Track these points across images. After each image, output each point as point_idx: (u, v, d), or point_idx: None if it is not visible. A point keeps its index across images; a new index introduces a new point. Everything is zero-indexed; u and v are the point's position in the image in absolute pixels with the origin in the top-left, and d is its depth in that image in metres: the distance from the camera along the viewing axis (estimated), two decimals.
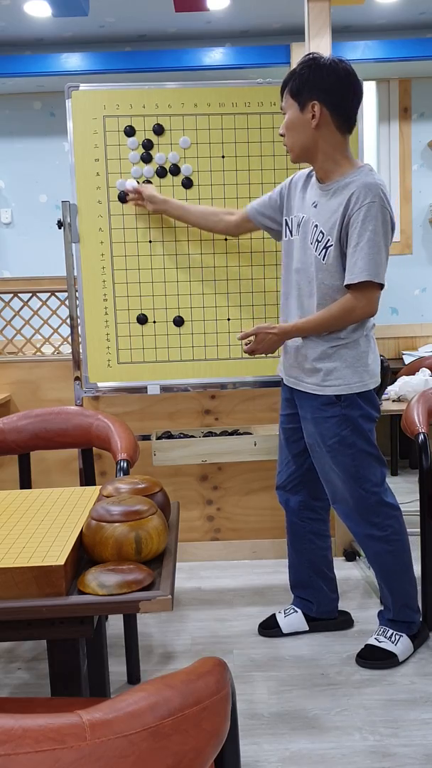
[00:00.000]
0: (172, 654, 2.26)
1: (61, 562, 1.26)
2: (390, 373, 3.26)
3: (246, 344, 2.11)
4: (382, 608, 2.25)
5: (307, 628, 2.34)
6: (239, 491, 2.97)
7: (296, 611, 2.37)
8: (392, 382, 3.46)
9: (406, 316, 4.71)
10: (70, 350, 2.74)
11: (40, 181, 4.75)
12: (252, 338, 2.10)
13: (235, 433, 2.78)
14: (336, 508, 2.18)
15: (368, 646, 2.18)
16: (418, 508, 2.35)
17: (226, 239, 2.57)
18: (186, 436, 2.74)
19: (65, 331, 2.80)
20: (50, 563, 1.25)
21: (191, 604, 2.60)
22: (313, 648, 2.27)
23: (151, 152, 2.55)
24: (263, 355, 2.13)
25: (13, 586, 1.24)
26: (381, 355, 2.98)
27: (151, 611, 1.24)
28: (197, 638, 2.35)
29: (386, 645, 2.16)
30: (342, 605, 2.43)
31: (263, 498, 2.93)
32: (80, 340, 2.67)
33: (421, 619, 2.26)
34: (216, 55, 4.11)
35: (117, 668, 2.12)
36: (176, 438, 2.71)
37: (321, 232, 2.01)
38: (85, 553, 1.41)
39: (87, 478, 2.53)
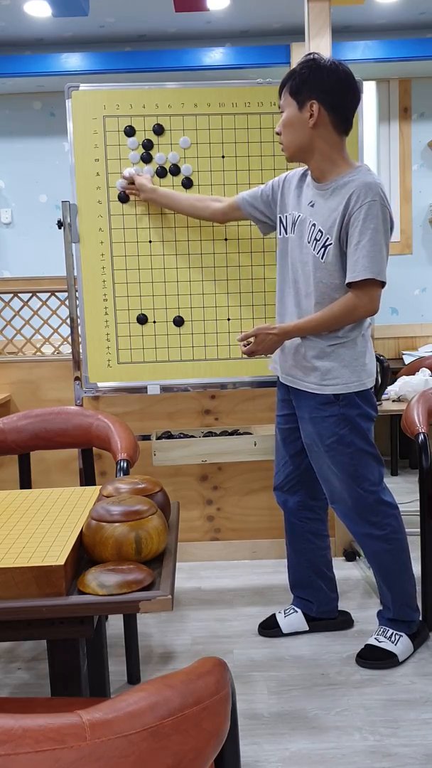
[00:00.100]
0: (172, 654, 2.26)
1: (61, 562, 1.26)
2: (390, 373, 3.26)
3: (245, 346, 2.10)
4: (382, 608, 2.26)
5: (307, 628, 2.34)
6: (239, 491, 2.97)
7: (296, 611, 2.37)
8: (392, 382, 3.46)
9: (406, 316, 4.71)
10: (70, 350, 2.74)
11: (40, 181, 4.75)
12: (251, 339, 2.09)
13: (235, 433, 2.78)
14: (334, 507, 2.18)
15: (368, 646, 2.18)
16: (418, 508, 2.35)
17: (226, 239, 2.57)
18: (186, 436, 2.74)
19: (65, 331, 2.80)
20: (50, 563, 1.25)
21: (191, 604, 2.60)
22: (313, 648, 2.27)
23: (151, 152, 2.55)
24: (262, 355, 2.13)
25: (13, 586, 1.25)
26: (381, 355, 2.99)
27: (151, 611, 1.24)
28: (197, 638, 2.35)
29: (386, 645, 2.16)
30: (342, 605, 2.43)
31: (263, 498, 2.93)
32: (80, 340, 2.67)
33: (420, 619, 2.26)
34: (216, 55, 4.11)
35: (117, 668, 2.12)
36: (176, 438, 2.71)
37: (319, 231, 2.02)
38: (85, 553, 1.41)
39: (87, 478, 2.53)
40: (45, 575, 1.25)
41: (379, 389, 3.15)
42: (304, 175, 2.14)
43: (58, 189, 4.66)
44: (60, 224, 2.57)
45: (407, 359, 4.17)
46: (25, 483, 2.45)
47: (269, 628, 2.36)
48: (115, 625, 2.36)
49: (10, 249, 4.81)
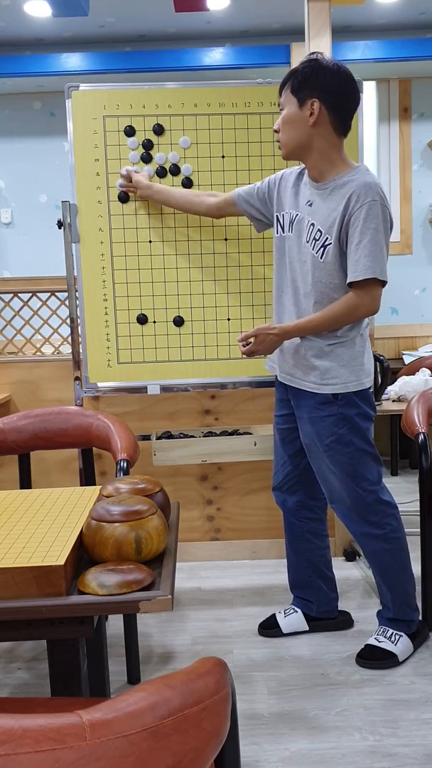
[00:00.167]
0: (172, 654, 2.26)
1: (61, 562, 1.26)
2: (390, 373, 3.26)
3: (244, 346, 2.10)
4: (381, 608, 2.26)
5: (307, 628, 2.34)
6: (239, 491, 2.97)
7: (296, 611, 2.37)
8: (392, 382, 3.46)
9: (406, 316, 4.71)
10: (70, 350, 2.74)
11: (40, 181, 4.75)
12: (251, 340, 2.09)
13: (235, 433, 2.78)
14: (333, 507, 2.18)
15: (368, 646, 2.18)
16: (418, 508, 2.35)
17: (226, 239, 2.57)
18: (186, 436, 2.74)
19: (65, 331, 2.81)
20: (50, 563, 1.25)
21: (191, 604, 2.60)
22: (313, 648, 2.27)
23: (151, 152, 2.55)
24: (262, 355, 2.13)
25: (13, 586, 1.25)
26: (381, 355, 2.99)
27: (151, 611, 1.24)
28: (197, 638, 2.35)
29: (386, 645, 2.16)
30: (342, 605, 2.43)
31: (263, 498, 2.93)
32: (80, 340, 2.67)
33: (420, 619, 2.26)
34: (216, 55, 4.11)
35: (117, 668, 2.12)
36: (176, 438, 2.71)
37: (319, 230, 2.02)
38: (85, 553, 1.41)
39: (87, 478, 2.53)
40: (45, 575, 1.25)
41: (379, 389, 3.15)
42: (300, 174, 2.14)
43: (58, 189, 4.66)
44: (60, 224, 2.57)
45: (407, 359, 4.17)
46: (25, 483, 2.45)
47: (269, 628, 2.36)
48: (115, 625, 2.36)
49: (10, 249, 4.81)
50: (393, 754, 1.76)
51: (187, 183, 2.55)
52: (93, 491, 1.70)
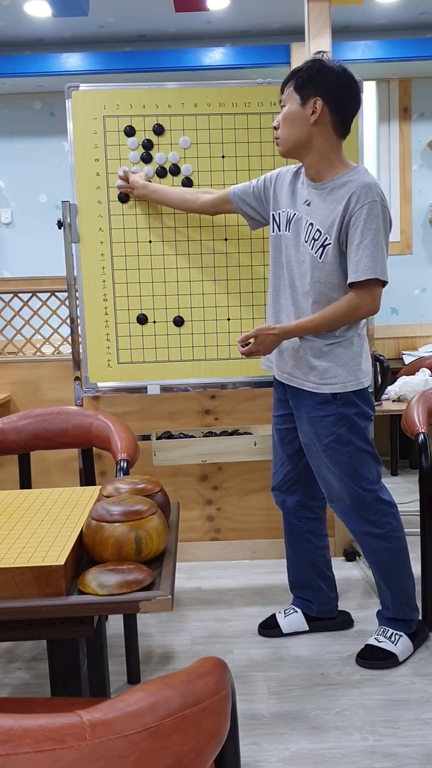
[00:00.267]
0: (172, 654, 2.26)
1: (61, 562, 1.26)
2: (390, 373, 3.26)
3: (243, 346, 2.10)
4: (381, 608, 2.26)
5: (307, 628, 2.34)
6: (239, 491, 2.97)
7: (296, 611, 2.37)
8: (392, 382, 3.46)
9: (406, 316, 4.71)
10: (70, 350, 2.74)
11: (40, 181, 4.75)
12: (251, 340, 2.09)
13: (235, 433, 2.78)
14: (333, 506, 2.18)
15: (368, 646, 2.18)
16: (418, 508, 2.35)
17: (226, 239, 2.57)
18: (186, 436, 2.74)
19: (65, 331, 2.81)
20: (50, 563, 1.25)
21: (191, 604, 2.60)
22: (313, 648, 2.27)
23: (151, 152, 2.55)
24: (261, 355, 2.13)
25: (13, 586, 1.25)
26: (381, 355, 2.99)
27: (151, 611, 1.24)
28: (197, 638, 2.35)
29: (386, 645, 2.16)
30: (342, 605, 2.43)
31: (263, 498, 2.93)
32: (80, 340, 2.67)
33: (420, 619, 2.26)
34: (216, 55, 4.11)
35: (117, 668, 2.12)
36: (176, 438, 2.71)
37: (318, 230, 2.02)
38: (85, 553, 1.41)
39: (87, 478, 2.53)
40: (45, 575, 1.25)
41: (379, 389, 3.15)
42: (297, 173, 2.14)
43: (58, 189, 4.66)
44: (60, 224, 2.57)
45: (407, 359, 4.17)
46: (25, 483, 2.45)
47: (269, 628, 2.36)
48: (115, 625, 2.36)
49: (10, 249, 4.81)
50: (393, 754, 1.76)
51: (187, 183, 2.55)
52: (93, 491, 1.70)
